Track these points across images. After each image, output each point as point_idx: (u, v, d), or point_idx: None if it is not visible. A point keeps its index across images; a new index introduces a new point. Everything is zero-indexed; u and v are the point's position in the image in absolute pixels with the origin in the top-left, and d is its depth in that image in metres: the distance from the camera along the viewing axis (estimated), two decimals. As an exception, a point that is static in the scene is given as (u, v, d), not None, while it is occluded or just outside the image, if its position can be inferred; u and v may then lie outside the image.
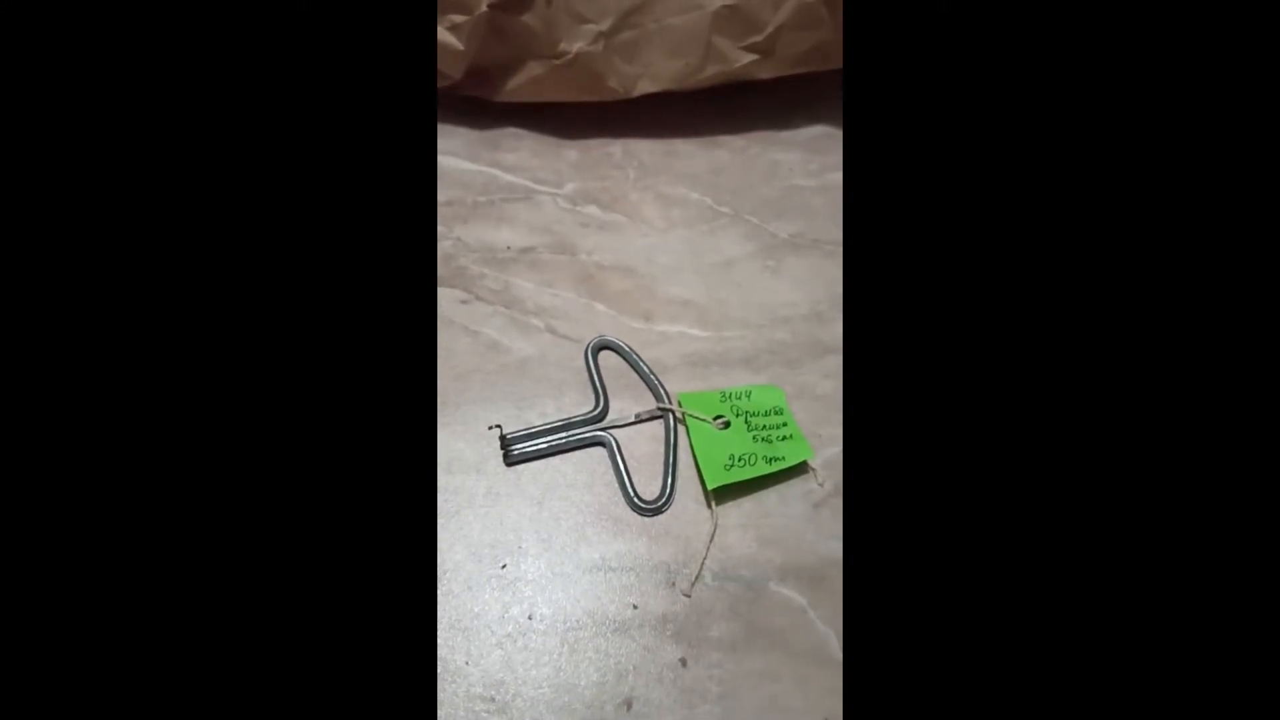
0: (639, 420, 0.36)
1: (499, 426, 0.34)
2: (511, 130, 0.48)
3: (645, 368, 0.37)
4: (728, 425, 0.35)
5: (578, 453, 0.35)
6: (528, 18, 0.43)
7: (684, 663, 0.29)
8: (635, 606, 0.30)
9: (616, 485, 0.34)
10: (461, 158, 0.47)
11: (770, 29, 0.44)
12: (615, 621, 0.30)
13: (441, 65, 0.44)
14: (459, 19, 0.42)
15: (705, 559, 0.31)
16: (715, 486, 0.33)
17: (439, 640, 0.29)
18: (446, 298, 0.40)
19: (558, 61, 0.44)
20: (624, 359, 0.38)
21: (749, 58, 0.45)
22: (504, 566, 0.31)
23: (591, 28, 0.43)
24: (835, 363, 0.38)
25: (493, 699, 0.28)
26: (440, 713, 0.27)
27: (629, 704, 0.28)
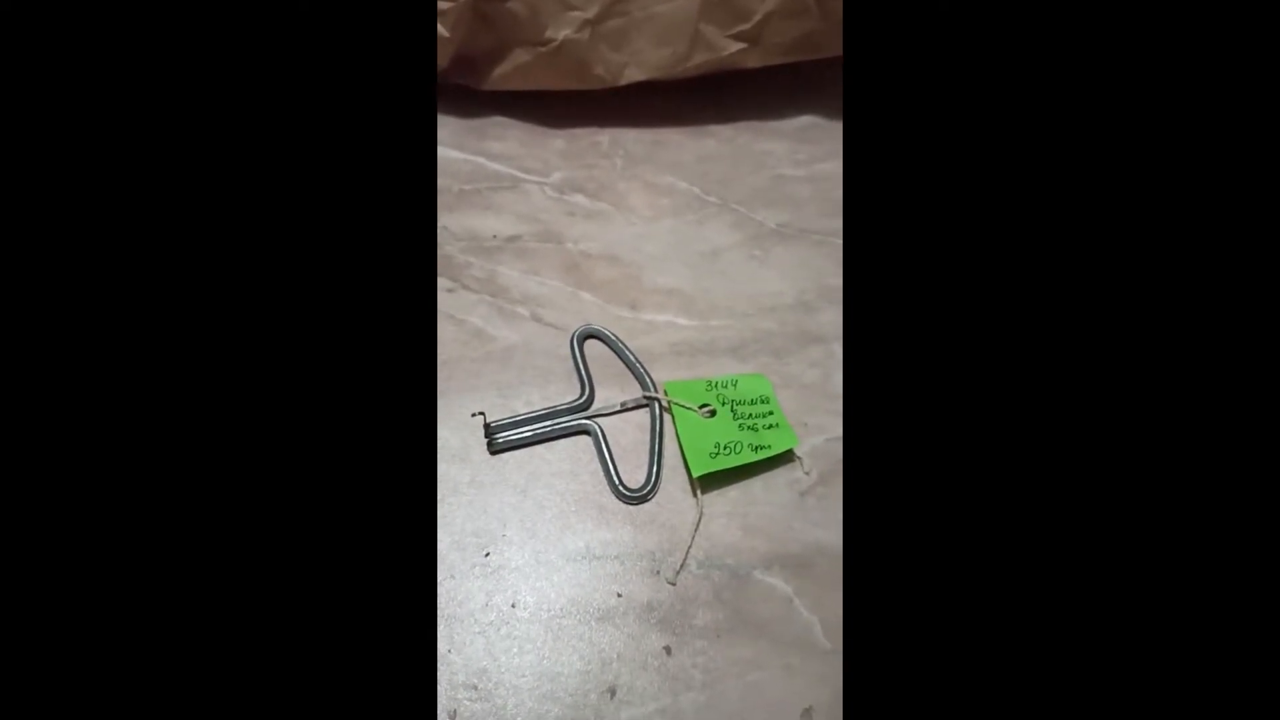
0: (624, 409, 0.35)
1: (483, 414, 0.34)
2: (498, 119, 0.48)
3: (631, 356, 0.37)
4: (714, 414, 0.35)
5: (562, 441, 0.34)
6: (514, 5, 0.43)
7: (668, 651, 0.29)
8: (620, 595, 0.30)
9: (601, 473, 0.33)
10: (448, 146, 0.46)
11: (758, 17, 0.44)
12: (599, 610, 0.30)
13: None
14: (445, 5, 0.42)
15: (690, 547, 0.31)
16: (701, 475, 0.32)
17: (422, 628, 0.29)
18: (431, 286, 0.39)
19: (544, 49, 0.44)
20: (610, 347, 0.38)
21: (737, 46, 0.44)
22: (487, 555, 0.31)
23: (578, 15, 0.43)
24: (822, 352, 0.38)
25: (475, 687, 0.28)
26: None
27: (613, 692, 0.28)
